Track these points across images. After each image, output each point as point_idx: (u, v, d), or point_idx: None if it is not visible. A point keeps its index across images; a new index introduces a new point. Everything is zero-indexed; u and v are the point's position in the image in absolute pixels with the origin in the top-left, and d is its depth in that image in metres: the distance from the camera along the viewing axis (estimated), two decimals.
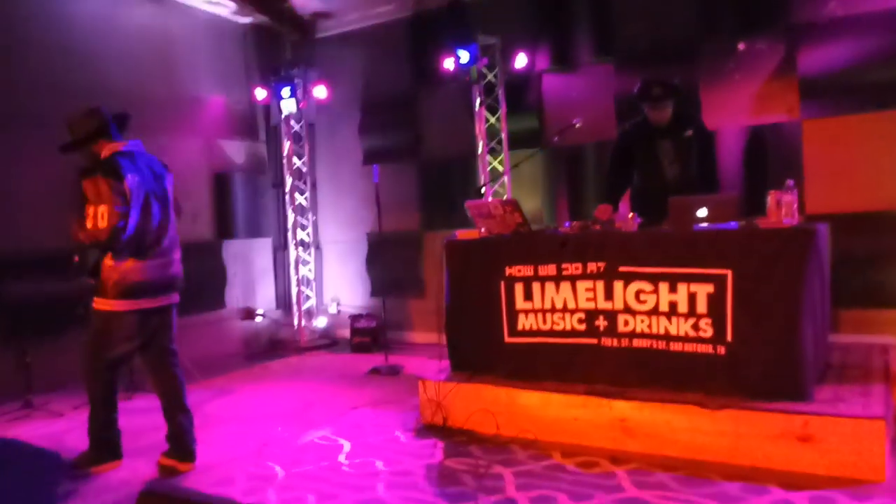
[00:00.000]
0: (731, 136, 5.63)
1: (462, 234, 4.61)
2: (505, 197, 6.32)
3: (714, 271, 3.59)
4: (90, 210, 3.62)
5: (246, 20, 7.48)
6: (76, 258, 3.84)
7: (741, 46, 5.58)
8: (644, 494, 3.13)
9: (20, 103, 5.32)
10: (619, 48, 6.09)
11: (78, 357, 3.87)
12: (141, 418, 4.77)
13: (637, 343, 3.85)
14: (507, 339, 4.29)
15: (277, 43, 7.82)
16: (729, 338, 3.56)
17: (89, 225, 3.61)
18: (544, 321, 4.15)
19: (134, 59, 6.44)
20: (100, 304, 3.76)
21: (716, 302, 3.59)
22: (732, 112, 5.62)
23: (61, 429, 4.47)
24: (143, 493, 2.10)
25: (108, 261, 3.72)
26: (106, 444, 3.85)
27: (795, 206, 3.63)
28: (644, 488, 3.19)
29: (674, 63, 5.68)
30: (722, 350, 3.59)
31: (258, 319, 7.58)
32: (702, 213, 3.71)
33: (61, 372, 3.93)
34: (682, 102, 4.64)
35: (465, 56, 6.21)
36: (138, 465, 3.89)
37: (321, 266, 7.97)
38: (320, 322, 7.75)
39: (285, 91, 7.29)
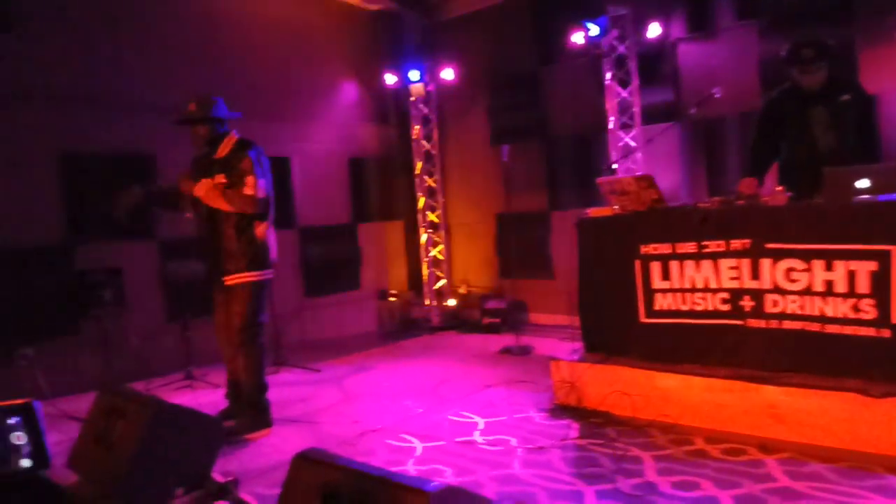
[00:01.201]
0: (893, 101, 5.12)
1: (594, 211, 4.50)
2: (638, 173, 6.11)
3: (878, 247, 3.28)
4: (250, 180, 3.97)
5: (376, 7, 7.66)
6: (189, 215, 4.23)
7: None
8: (798, 485, 2.94)
9: (168, 93, 5.66)
10: (764, 8, 5.67)
11: (229, 332, 4.18)
12: (289, 390, 5.10)
13: (787, 325, 3.61)
14: (644, 319, 4.16)
15: (405, 28, 7.96)
16: (895, 320, 3.26)
17: (250, 192, 3.97)
18: (683, 301, 3.99)
19: (275, 49, 6.81)
20: (245, 277, 4.06)
21: (880, 281, 3.28)
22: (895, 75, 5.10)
23: (218, 398, 4.83)
24: (298, 458, 2.24)
25: (261, 229, 4.07)
26: (262, 411, 4.16)
27: None
28: (798, 479, 3.00)
29: (827, 21, 5.23)
30: (887, 333, 3.28)
31: (391, 299, 7.82)
32: (863, 184, 3.40)
33: (216, 347, 4.31)
34: (837, 65, 4.26)
35: (594, 29, 6.03)
36: (288, 432, 4.15)
37: (451, 247, 8.08)
38: (451, 302, 7.88)
39: (414, 75, 7.43)
